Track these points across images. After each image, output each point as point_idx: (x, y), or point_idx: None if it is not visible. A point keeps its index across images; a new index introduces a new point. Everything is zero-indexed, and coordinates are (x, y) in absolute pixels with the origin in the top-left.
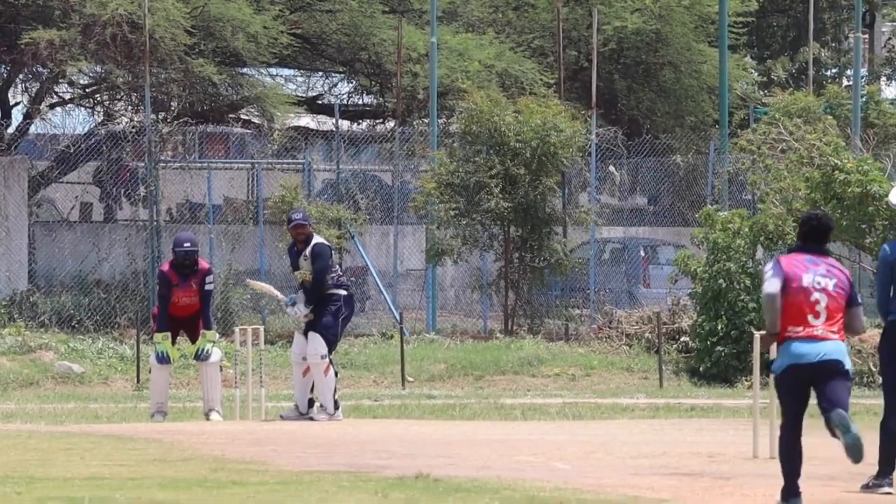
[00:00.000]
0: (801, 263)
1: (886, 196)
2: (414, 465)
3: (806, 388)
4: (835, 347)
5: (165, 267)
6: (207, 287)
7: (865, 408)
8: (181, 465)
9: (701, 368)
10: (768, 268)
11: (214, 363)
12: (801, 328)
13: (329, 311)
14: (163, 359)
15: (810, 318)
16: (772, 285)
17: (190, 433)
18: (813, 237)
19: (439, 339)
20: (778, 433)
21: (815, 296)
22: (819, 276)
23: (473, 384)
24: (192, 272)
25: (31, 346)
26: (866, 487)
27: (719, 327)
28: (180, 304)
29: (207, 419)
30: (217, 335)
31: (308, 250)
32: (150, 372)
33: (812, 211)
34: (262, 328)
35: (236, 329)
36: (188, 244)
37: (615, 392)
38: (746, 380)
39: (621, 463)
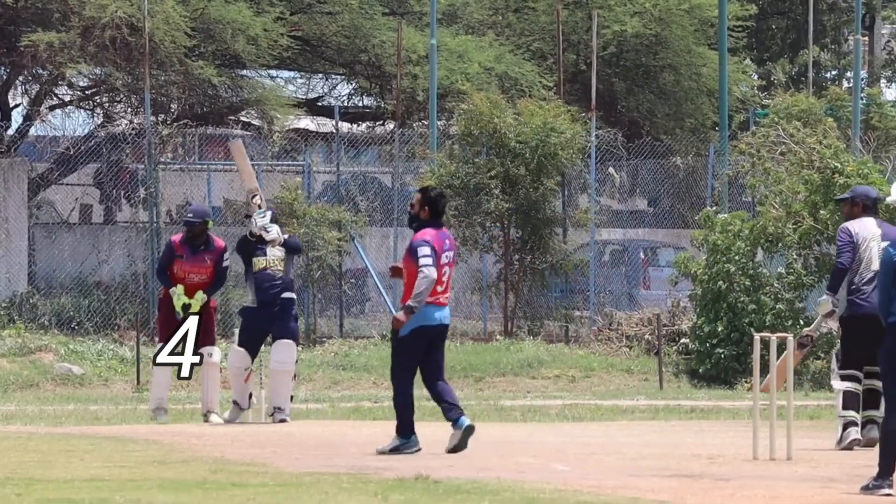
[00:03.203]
0: (439, 240)
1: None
2: (413, 467)
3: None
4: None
5: (176, 237)
6: (224, 264)
7: None
8: (181, 466)
9: (701, 370)
10: (429, 251)
11: (215, 364)
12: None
13: (294, 316)
14: (181, 312)
15: (439, 288)
16: (433, 271)
17: (190, 435)
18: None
19: None
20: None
21: (445, 270)
22: (447, 250)
23: (473, 386)
24: (200, 245)
25: (31, 348)
26: (866, 489)
27: (719, 329)
28: (189, 280)
29: (206, 421)
30: (205, 297)
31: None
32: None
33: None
34: None
35: (236, 330)
36: (191, 215)
37: (615, 394)
38: (746, 381)
39: (621, 464)
